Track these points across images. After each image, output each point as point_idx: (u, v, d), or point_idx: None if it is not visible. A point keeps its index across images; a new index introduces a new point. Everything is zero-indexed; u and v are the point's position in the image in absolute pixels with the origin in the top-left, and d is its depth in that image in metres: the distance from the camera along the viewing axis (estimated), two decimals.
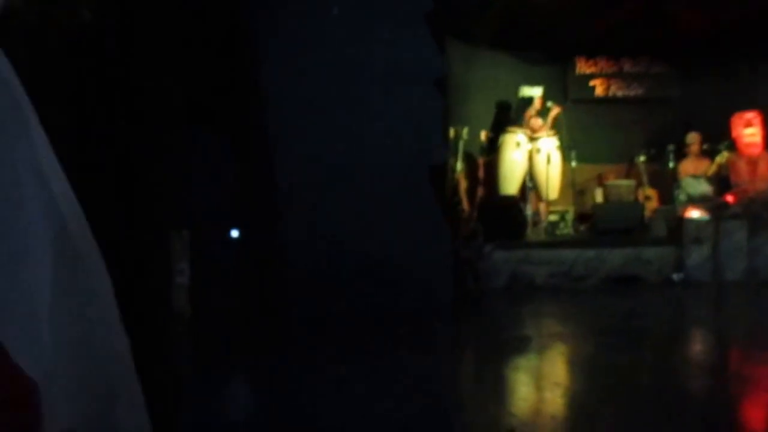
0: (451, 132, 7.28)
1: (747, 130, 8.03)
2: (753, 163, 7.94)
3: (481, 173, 8.18)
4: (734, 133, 8.10)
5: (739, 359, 4.17)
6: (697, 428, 2.70)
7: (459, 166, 7.67)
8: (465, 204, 7.67)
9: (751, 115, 8.07)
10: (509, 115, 8.47)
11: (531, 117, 8.13)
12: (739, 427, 2.86)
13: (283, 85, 5.10)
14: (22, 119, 1.07)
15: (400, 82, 5.23)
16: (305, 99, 5.11)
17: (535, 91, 8.22)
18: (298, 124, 5.11)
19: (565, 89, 8.99)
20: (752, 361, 4.01)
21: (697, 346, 4.70)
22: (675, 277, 6.88)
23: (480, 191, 8.10)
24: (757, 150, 8.01)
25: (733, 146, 8.08)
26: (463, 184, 7.77)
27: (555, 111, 8.11)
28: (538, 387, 3.51)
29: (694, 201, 7.55)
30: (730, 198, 7.48)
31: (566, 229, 7.95)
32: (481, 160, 8.20)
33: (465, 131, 7.70)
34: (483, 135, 8.08)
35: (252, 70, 5.23)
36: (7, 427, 1.01)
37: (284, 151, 5.12)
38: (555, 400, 3.18)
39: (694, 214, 7.16)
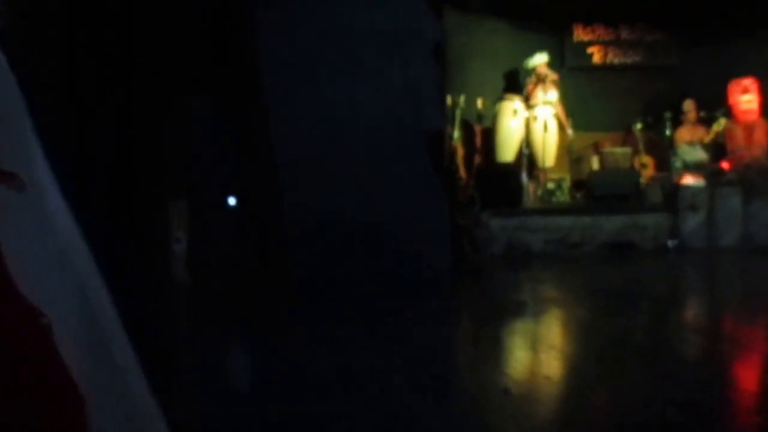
0: (449, 100, 7.27)
1: (743, 97, 8.02)
2: (749, 129, 7.95)
3: (478, 141, 8.19)
4: (731, 100, 8.09)
5: (732, 323, 4.24)
6: (690, 389, 2.76)
7: (456, 133, 7.67)
8: (462, 172, 7.69)
9: (747, 81, 8.06)
10: (510, 82, 8.47)
11: (534, 85, 8.11)
12: (732, 387, 2.93)
13: (281, 53, 5.09)
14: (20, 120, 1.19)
15: (398, 49, 5.21)
16: (303, 67, 5.09)
17: (541, 58, 8.18)
18: (296, 91, 5.10)
19: (562, 57, 8.95)
20: (744, 324, 4.08)
21: (691, 310, 4.77)
22: (670, 243, 6.94)
23: (477, 159, 8.12)
24: (753, 117, 8.01)
25: (729, 113, 8.08)
26: (460, 152, 7.78)
27: (552, 77, 8.10)
28: (533, 349, 3.57)
29: (690, 168, 7.57)
30: (725, 165, 7.51)
31: (563, 197, 7.97)
32: (478, 128, 8.20)
33: (462, 99, 7.69)
34: (480, 102, 8.07)
35: (249, 39, 5.21)
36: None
37: (281, 119, 5.12)
38: (549, 362, 3.25)
39: (690, 180, 7.20)
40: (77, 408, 1.08)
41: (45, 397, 1.07)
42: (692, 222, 6.97)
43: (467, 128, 8.13)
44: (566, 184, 8.08)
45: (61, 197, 1.26)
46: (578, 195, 7.88)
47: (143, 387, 1.24)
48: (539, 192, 7.83)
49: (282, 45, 5.08)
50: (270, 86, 5.12)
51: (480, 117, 8.16)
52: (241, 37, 5.27)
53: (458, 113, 7.68)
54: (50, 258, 1.17)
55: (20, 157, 1.17)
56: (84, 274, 1.23)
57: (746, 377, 3.17)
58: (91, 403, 1.09)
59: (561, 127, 8.18)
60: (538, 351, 3.53)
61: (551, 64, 8.30)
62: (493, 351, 3.54)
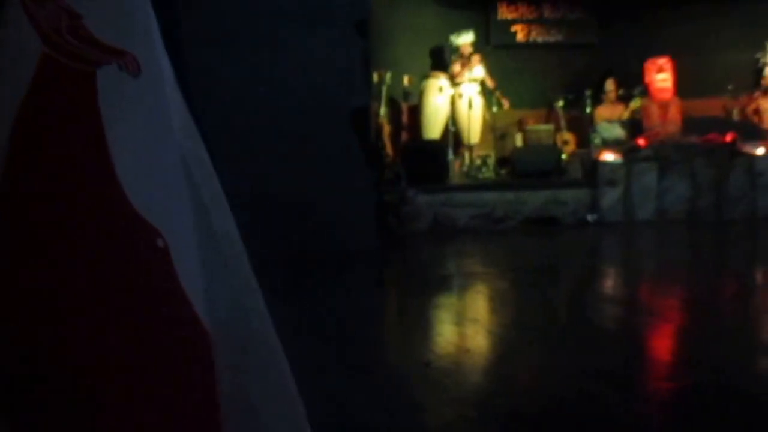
0: (375, 76, 7.23)
1: (659, 76, 8.30)
2: (664, 107, 8.24)
3: (404, 118, 8.20)
4: (647, 79, 8.36)
5: (647, 293, 4.41)
6: (607, 358, 2.86)
7: (382, 110, 7.66)
8: (388, 148, 7.70)
9: (662, 60, 8.33)
10: (435, 59, 8.49)
11: (459, 64, 8.17)
12: (646, 356, 3.05)
13: (202, 27, 4.93)
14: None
15: (323, 23, 5.14)
16: (226, 44, 4.96)
17: (466, 38, 8.22)
18: (218, 66, 4.97)
19: (487, 34, 9.03)
20: (658, 295, 4.25)
21: (609, 282, 4.93)
22: (590, 217, 7.14)
23: (403, 136, 8.14)
24: (668, 95, 8.30)
25: (646, 91, 8.34)
26: (386, 129, 7.78)
27: (475, 58, 8.18)
28: (456, 323, 3.62)
29: (609, 144, 7.80)
30: (641, 141, 7.76)
31: (488, 173, 8.09)
32: (404, 105, 8.21)
33: (388, 76, 7.67)
34: (406, 79, 8.07)
35: (168, 12, 5.02)
36: (189, 378, 0.91)
37: (203, 95, 4.97)
38: (471, 335, 3.30)
39: (608, 157, 7.41)
40: (201, 344, 0.90)
41: (167, 332, 0.89)
42: (610, 197, 7.19)
43: (394, 105, 8.13)
44: (491, 160, 8.19)
45: (180, 93, 1.01)
46: (503, 171, 8.01)
47: (269, 327, 1.01)
48: (465, 168, 7.92)
49: (204, 22, 4.93)
50: (192, 63, 4.96)
51: (406, 94, 8.17)
52: (160, 11, 5.08)
53: (385, 90, 7.67)
54: (167, 167, 0.94)
55: (135, 35, 0.95)
56: (205, 189, 0.98)
57: (660, 346, 3.30)
58: (217, 340, 0.91)
59: (498, 103, 8.26)
60: (460, 324, 3.58)
61: (476, 43, 8.36)
62: (417, 324, 3.57)
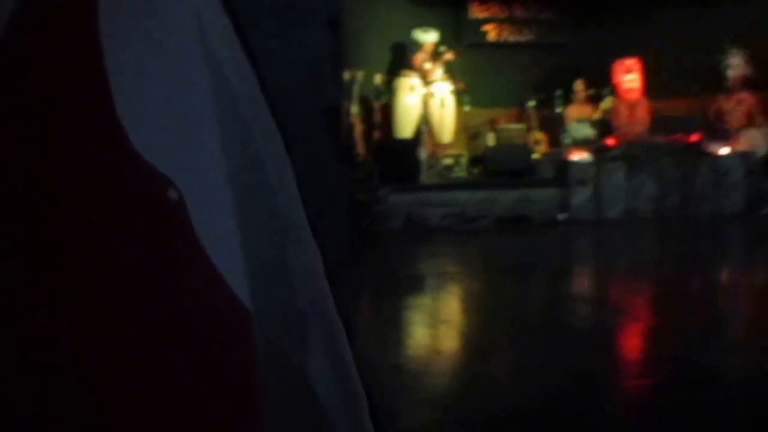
0: (346, 75, 7.21)
1: (627, 77, 8.41)
2: (632, 107, 8.34)
3: (376, 117, 8.19)
4: (615, 79, 8.46)
5: (617, 292, 4.45)
6: (578, 357, 2.88)
7: (354, 109, 7.64)
8: (361, 147, 7.68)
9: (631, 62, 8.44)
10: (405, 58, 8.47)
11: (421, 62, 8.17)
12: (616, 354, 3.08)
13: None
14: None
15: (293, 21, 5.10)
16: None
17: (430, 36, 8.23)
18: None
19: (458, 33, 9.05)
20: (628, 294, 4.30)
21: (579, 280, 4.98)
22: (560, 216, 7.21)
23: (376, 135, 8.13)
24: (636, 95, 8.41)
25: (615, 92, 8.45)
26: (358, 128, 7.76)
27: (448, 55, 8.18)
28: (427, 324, 3.62)
29: (579, 144, 7.87)
30: (611, 141, 7.86)
31: (461, 172, 8.12)
32: (376, 104, 8.20)
33: (360, 74, 7.65)
34: (378, 78, 8.05)
35: None
36: (227, 359, 0.70)
37: None
38: (442, 337, 3.30)
39: (579, 156, 7.49)
40: (236, 324, 0.70)
41: (186, 308, 0.68)
42: (581, 196, 7.26)
43: (366, 104, 8.11)
44: (464, 159, 8.22)
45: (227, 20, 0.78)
46: (475, 170, 8.04)
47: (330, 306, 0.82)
48: (437, 168, 7.94)
49: None
50: None
51: (378, 93, 8.16)
52: None
53: (356, 89, 7.64)
54: (190, 103, 0.71)
55: None
56: (247, 114, 0.77)
57: (629, 343, 3.34)
58: (256, 314, 0.71)
59: (470, 102, 8.28)
60: (432, 326, 3.58)
61: (446, 41, 8.37)
62: (388, 325, 3.57)
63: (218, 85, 0.75)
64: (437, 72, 8.13)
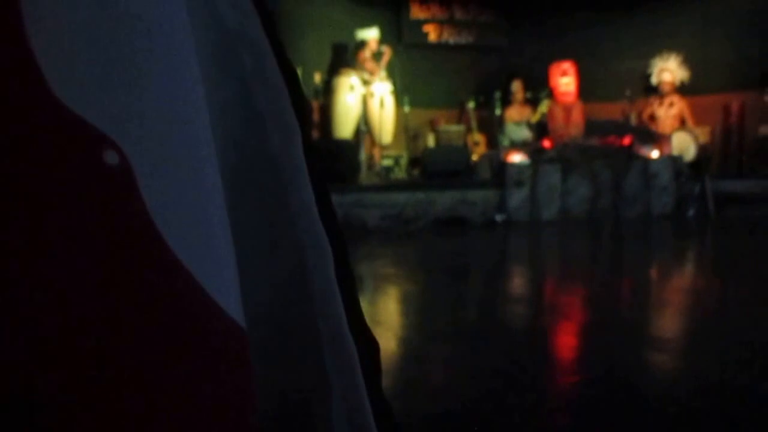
0: None
1: (562, 80, 8.58)
2: (567, 110, 8.52)
3: (315, 116, 8.13)
4: (551, 82, 8.63)
5: (551, 292, 4.51)
6: (513, 357, 2.89)
7: None
8: None
9: (566, 65, 8.62)
10: (345, 56, 8.42)
11: (365, 60, 8.14)
12: (551, 352, 3.11)
13: None
14: None
15: None
16: None
17: (371, 33, 8.21)
18: None
19: (399, 33, 9.06)
20: (561, 293, 4.37)
21: (515, 281, 5.03)
22: (497, 217, 7.28)
23: (314, 134, 8.06)
24: (571, 98, 8.59)
25: (551, 94, 8.60)
26: None
27: (387, 54, 8.18)
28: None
29: (516, 146, 7.98)
30: (546, 143, 7.99)
31: (400, 173, 8.12)
32: (315, 103, 8.14)
33: (299, 72, 7.57)
34: (317, 76, 8.00)
35: None
36: (224, 383, 0.47)
37: None
38: (376, 338, 3.27)
39: (515, 158, 7.59)
40: (223, 340, 0.48)
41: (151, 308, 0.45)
42: (517, 197, 7.36)
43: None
44: (404, 160, 8.24)
45: None
46: (414, 171, 8.06)
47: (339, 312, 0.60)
48: (376, 168, 7.93)
49: None
50: None
51: (317, 91, 8.10)
52: None
53: None
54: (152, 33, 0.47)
55: None
56: (254, 82, 0.55)
57: (562, 342, 3.38)
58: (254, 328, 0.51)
59: (410, 102, 8.29)
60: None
61: (386, 41, 8.37)
62: None
63: (208, 23, 0.54)
64: (382, 72, 8.13)
